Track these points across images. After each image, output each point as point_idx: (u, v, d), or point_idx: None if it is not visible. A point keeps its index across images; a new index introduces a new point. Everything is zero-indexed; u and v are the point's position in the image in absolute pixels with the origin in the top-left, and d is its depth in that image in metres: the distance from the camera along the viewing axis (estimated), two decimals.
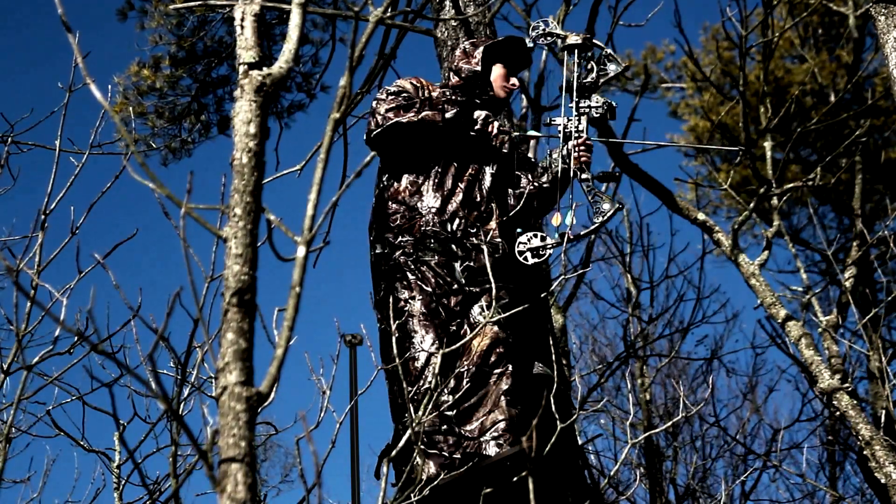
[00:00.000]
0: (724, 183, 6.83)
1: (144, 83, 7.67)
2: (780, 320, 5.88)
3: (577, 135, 4.21)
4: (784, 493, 9.78)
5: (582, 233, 4.20)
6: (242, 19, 1.80)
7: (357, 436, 4.30)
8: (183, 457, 4.13)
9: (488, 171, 4.28)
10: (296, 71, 7.86)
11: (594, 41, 4.28)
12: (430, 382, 3.85)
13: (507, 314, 3.84)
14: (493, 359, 3.94)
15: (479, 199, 4.22)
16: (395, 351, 3.69)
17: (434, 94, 4.28)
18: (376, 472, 4.03)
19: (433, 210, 4.15)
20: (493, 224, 4.20)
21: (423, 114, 4.17)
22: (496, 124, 4.29)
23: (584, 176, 4.20)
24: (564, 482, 4.16)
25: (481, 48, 4.40)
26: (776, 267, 14.02)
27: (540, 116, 7.22)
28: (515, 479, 3.68)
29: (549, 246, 4.10)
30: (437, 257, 4.08)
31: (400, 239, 4.13)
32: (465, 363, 3.93)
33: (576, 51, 4.28)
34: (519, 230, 4.18)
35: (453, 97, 4.25)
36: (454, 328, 4.00)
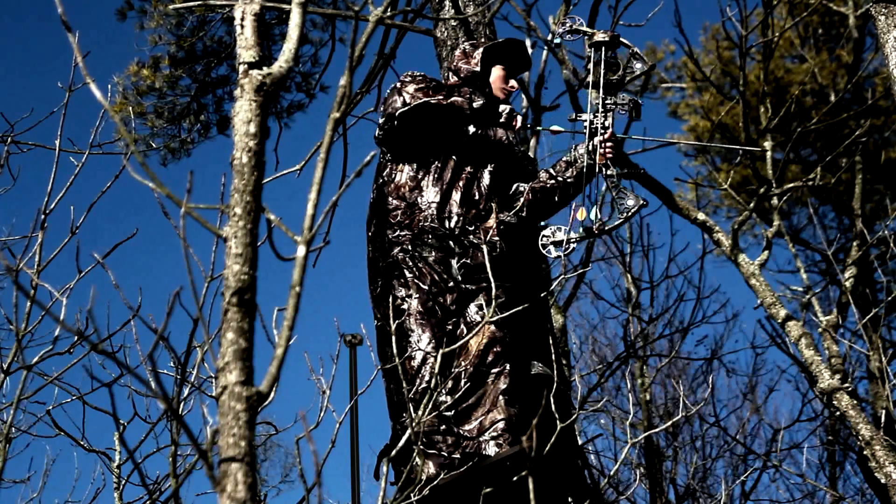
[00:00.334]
0: (724, 183, 6.83)
1: (144, 83, 7.67)
2: (780, 320, 5.88)
3: (602, 131, 4.23)
4: (784, 493, 9.78)
5: (606, 227, 4.23)
6: (242, 19, 1.80)
7: (357, 436, 4.29)
8: (183, 456, 4.12)
9: (486, 169, 4.29)
10: (295, 71, 7.86)
11: (621, 39, 4.30)
12: (427, 382, 3.85)
13: (506, 314, 3.84)
14: (490, 358, 3.94)
15: (477, 197, 4.23)
16: (391, 350, 3.70)
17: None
18: (375, 472, 4.03)
19: (433, 205, 4.15)
20: (491, 222, 4.20)
21: (453, 98, 4.18)
22: (520, 119, 4.30)
23: (608, 172, 4.22)
24: (564, 482, 4.16)
25: (481, 49, 4.40)
26: (776, 267, 14.02)
27: (540, 116, 7.21)
28: (515, 478, 3.67)
29: (573, 240, 4.12)
30: (434, 253, 4.08)
31: (399, 233, 4.13)
32: (463, 363, 3.93)
33: (602, 48, 4.30)
34: (542, 223, 4.20)
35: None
36: (450, 328, 4.00)
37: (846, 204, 11.33)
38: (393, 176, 4.25)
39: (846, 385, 5.47)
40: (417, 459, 3.68)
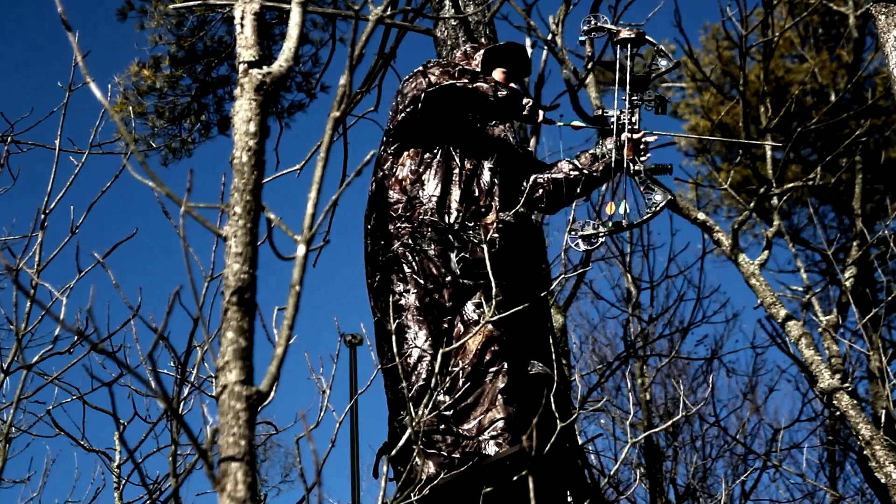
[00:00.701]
0: (724, 183, 6.83)
1: (144, 83, 7.67)
2: (780, 320, 5.88)
3: (630, 127, 4.26)
4: (784, 493, 9.77)
5: (635, 222, 4.25)
6: (242, 18, 1.80)
7: (357, 435, 4.29)
8: (183, 456, 4.12)
9: (486, 165, 4.29)
10: (296, 71, 7.86)
11: (647, 37, 4.32)
12: (424, 380, 3.85)
13: (505, 314, 3.84)
14: (488, 357, 3.94)
15: (477, 193, 4.23)
16: (387, 345, 3.69)
17: None
18: (374, 470, 4.03)
19: (433, 199, 4.15)
20: (491, 218, 4.20)
21: (478, 83, 4.19)
22: (542, 113, 4.32)
23: (636, 167, 4.24)
24: (564, 482, 4.16)
25: (482, 51, 4.41)
26: (776, 267, 14.02)
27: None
28: (515, 478, 3.67)
29: (601, 234, 4.15)
30: (434, 247, 4.08)
31: (399, 226, 4.13)
32: (461, 362, 3.93)
33: (628, 45, 4.32)
34: (571, 217, 4.23)
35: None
36: (445, 326, 4.00)
37: (846, 204, 11.33)
38: (394, 169, 4.25)
39: (846, 385, 5.47)
40: (417, 459, 3.68)
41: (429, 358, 3.90)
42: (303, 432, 3.29)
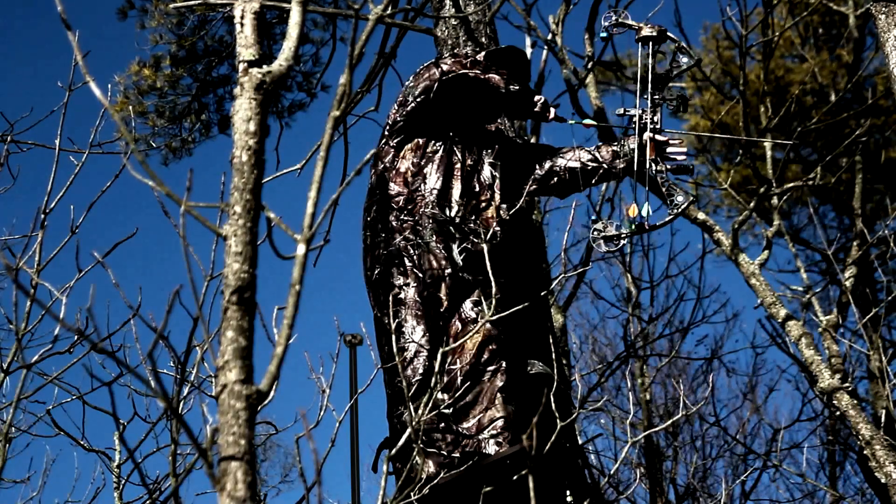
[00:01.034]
0: (724, 182, 6.83)
1: (145, 82, 7.67)
2: (780, 320, 5.88)
3: (652, 126, 4.25)
4: (784, 493, 9.77)
5: (658, 223, 4.25)
6: (242, 17, 1.80)
7: (357, 435, 4.29)
8: (183, 456, 4.12)
9: (486, 160, 4.29)
10: (296, 70, 7.86)
11: (668, 34, 4.32)
12: (419, 374, 3.85)
13: (505, 314, 3.84)
14: (486, 356, 3.93)
15: (477, 188, 4.23)
16: (385, 339, 3.69)
17: None
18: (374, 465, 4.03)
19: (434, 192, 4.15)
20: (490, 213, 4.20)
21: (490, 74, 4.19)
22: (553, 111, 4.32)
23: (659, 167, 4.23)
24: (564, 481, 4.16)
25: (483, 53, 4.41)
26: (776, 267, 14.00)
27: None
28: (515, 477, 3.67)
29: (625, 235, 4.15)
30: (435, 239, 4.07)
31: (401, 218, 4.13)
32: (458, 360, 3.92)
33: (650, 43, 4.31)
34: (593, 217, 4.23)
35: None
36: (442, 324, 4.00)
37: (846, 204, 11.32)
38: (396, 162, 4.25)
39: (846, 385, 5.48)
40: (417, 458, 3.68)
41: (425, 353, 3.90)
42: (303, 432, 3.29)
